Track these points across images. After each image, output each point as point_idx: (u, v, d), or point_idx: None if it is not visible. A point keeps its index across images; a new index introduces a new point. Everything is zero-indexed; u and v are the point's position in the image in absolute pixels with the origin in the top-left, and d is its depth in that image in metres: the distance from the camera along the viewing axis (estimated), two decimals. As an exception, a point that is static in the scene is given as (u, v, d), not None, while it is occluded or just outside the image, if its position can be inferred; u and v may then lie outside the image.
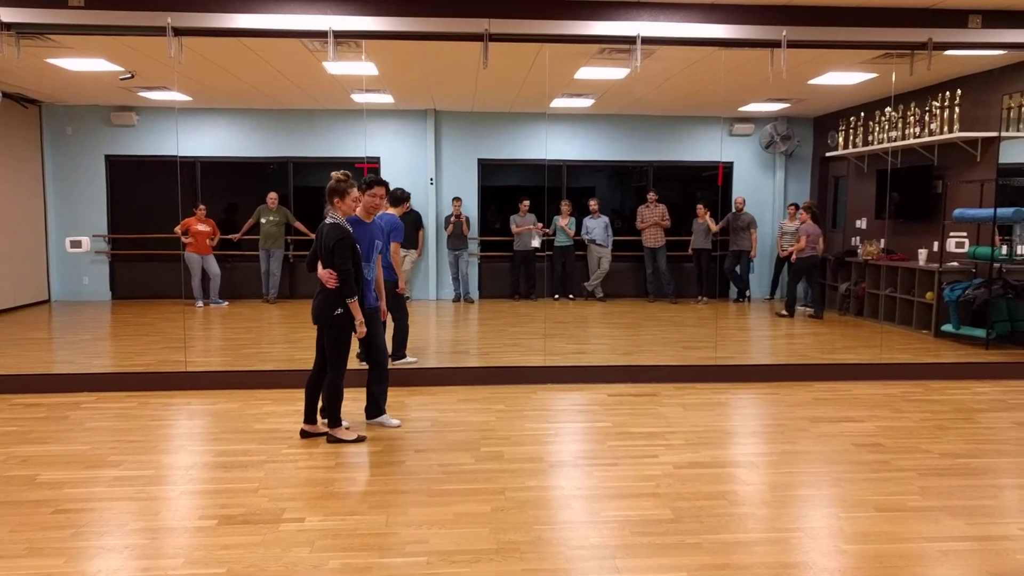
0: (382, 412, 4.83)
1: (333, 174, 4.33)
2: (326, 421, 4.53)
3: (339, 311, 4.28)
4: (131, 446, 4.41)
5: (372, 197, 4.64)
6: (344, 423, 4.56)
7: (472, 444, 4.46)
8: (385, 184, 4.78)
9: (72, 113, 10.67)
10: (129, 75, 8.16)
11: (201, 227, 10.08)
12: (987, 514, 3.48)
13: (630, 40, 5.81)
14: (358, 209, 4.58)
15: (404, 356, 6.40)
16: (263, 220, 10.29)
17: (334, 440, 4.45)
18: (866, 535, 3.24)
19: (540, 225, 10.89)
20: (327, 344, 4.40)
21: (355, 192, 4.36)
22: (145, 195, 10.86)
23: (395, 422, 4.83)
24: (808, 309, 10.13)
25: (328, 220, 4.31)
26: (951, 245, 8.26)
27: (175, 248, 9.98)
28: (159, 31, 5.50)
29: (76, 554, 3.04)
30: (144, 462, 4.14)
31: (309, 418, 4.56)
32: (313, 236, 4.55)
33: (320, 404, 4.54)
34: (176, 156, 10.69)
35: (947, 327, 7.79)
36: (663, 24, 5.78)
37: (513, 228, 10.95)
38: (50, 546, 3.10)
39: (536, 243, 10.80)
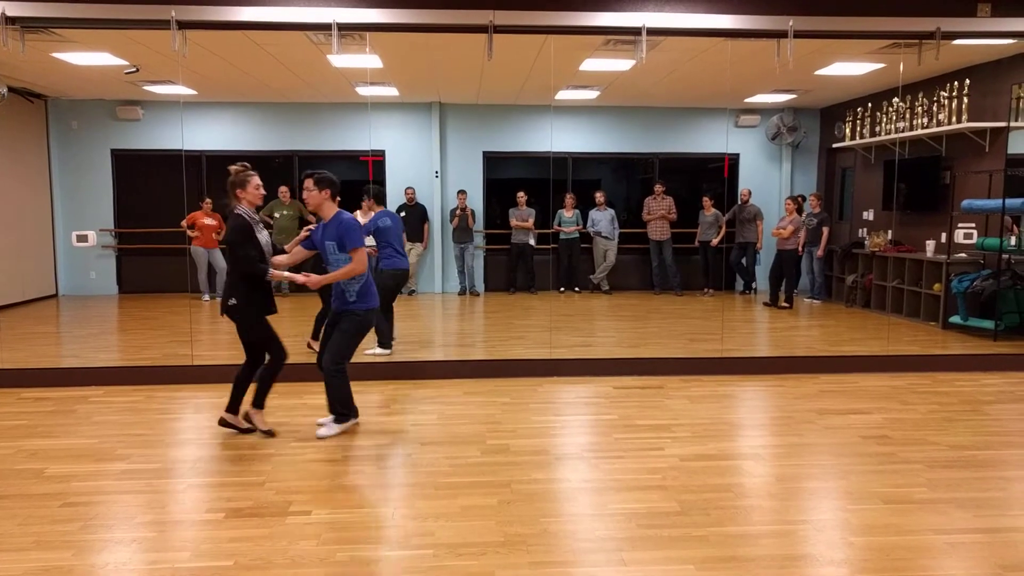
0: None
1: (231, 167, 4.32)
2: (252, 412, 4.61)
3: (232, 301, 4.26)
4: (138, 439, 4.43)
5: (304, 191, 4.40)
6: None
7: (478, 437, 4.46)
8: (313, 176, 4.33)
9: (77, 107, 10.68)
10: (134, 69, 8.17)
11: (207, 221, 10.08)
12: (996, 506, 3.46)
13: (635, 31, 5.78)
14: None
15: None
16: (276, 215, 10.24)
17: (226, 425, 4.48)
18: (873, 527, 3.23)
19: (531, 222, 10.85)
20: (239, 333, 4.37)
21: (256, 180, 4.30)
22: (151, 189, 10.88)
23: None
24: (815, 301, 10.11)
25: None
26: (959, 236, 8.21)
27: (181, 242, 9.99)
28: (163, 24, 5.49)
29: (84, 547, 3.05)
30: (151, 455, 4.15)
31: (232, 407, 4.52)
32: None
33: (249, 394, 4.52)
34: (181, 150, 10.70)
35: (955, 319, 7.75)
36: (668, 15, 5.75)
37: (512, 222, 10.91)
38: (58, 539, 3.12)
39: (531, 240, 10.81)
